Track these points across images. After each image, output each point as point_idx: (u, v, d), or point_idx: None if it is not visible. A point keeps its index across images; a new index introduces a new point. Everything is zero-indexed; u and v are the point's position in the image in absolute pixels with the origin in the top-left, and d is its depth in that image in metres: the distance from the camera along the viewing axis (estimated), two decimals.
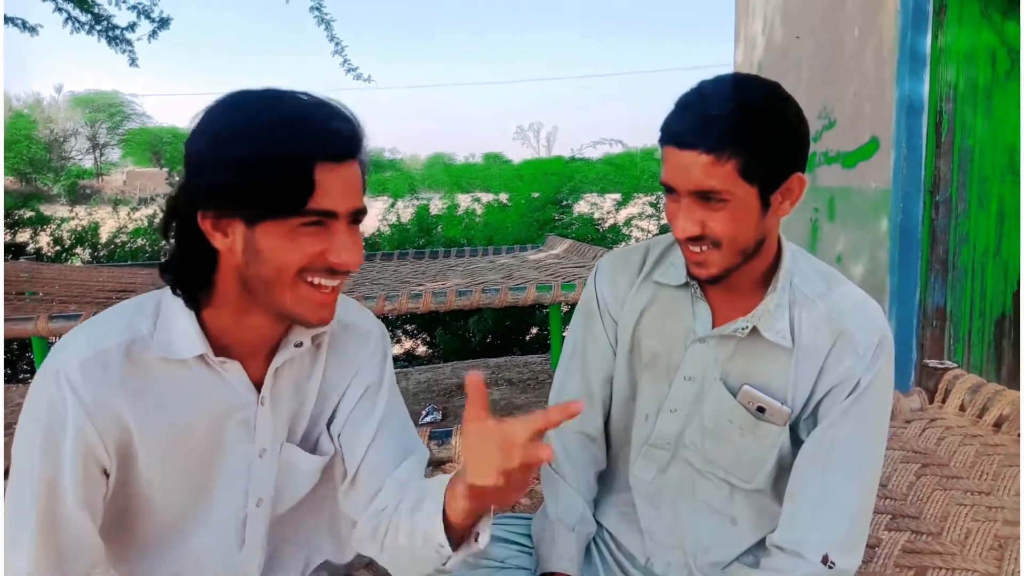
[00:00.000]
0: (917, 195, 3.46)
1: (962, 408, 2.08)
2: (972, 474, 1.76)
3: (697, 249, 1.15)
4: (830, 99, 3.98)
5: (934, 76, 3.38)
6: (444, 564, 1.00)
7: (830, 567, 1.17)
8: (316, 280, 0.98)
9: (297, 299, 0.99)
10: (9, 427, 4.17)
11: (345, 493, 1.17)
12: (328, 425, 1.18)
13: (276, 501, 1.15)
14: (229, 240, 0.97)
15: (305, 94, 0.98)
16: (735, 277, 1.19)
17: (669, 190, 1.15)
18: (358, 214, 1.00)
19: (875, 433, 1.22)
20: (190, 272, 1.01)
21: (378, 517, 1.10)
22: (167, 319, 1.03)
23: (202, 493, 1.10)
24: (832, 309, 1.21)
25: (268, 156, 0.91)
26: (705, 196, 1.10)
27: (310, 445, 1.17)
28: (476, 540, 0.98)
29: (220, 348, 1.05)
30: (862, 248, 3.77)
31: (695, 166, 1.08)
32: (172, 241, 1.01)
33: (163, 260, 1.04)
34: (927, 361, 2.20)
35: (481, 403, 0.86)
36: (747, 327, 1.21)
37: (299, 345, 1.10)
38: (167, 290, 1.04)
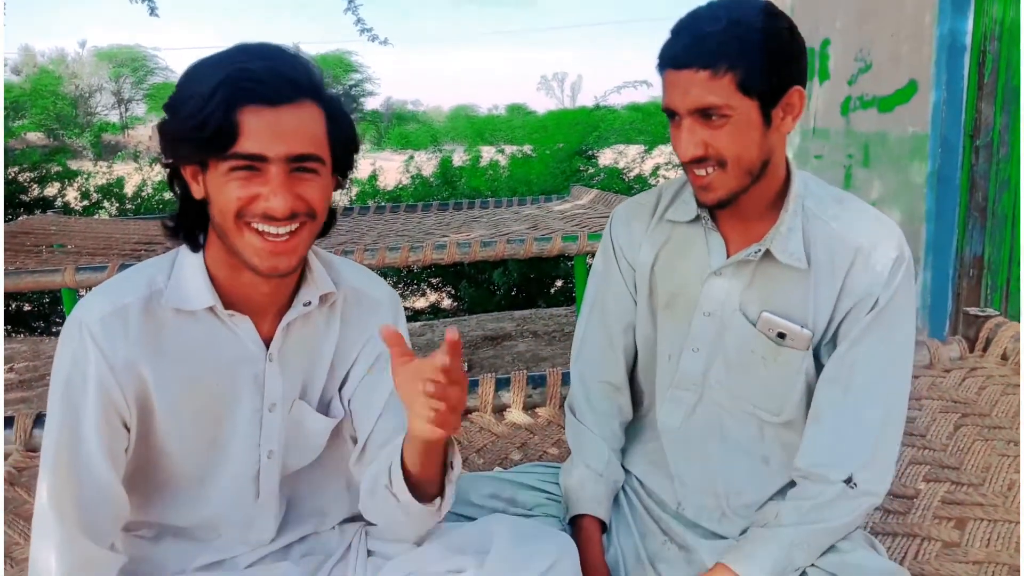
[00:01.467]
0: (956, 140, 3.35)
1: (1003, 357, 2.02)
2: (1015, 424, 1.71)
3: (702, 172, 1.14)
4: (866, 41, 3.84)
5: (978, 13, 3.24)
6: (428, 514, 1.05)
7: (852, 487, 1.17)
8: (258, 225, 0.97)
9: (245, 245, 0.99)
10: (43, 378, 4.24)
11: (356, 460, 1.18)
12: (340, 390, 1.19)
13: (287, 456, 1.17)
14: (200, 187, 1.00)
15: (269, 43, 0.99)
16: (744, 202, 1.18)
17: (670, 115, 1.15)
18: (301, 159, 0.97)
19: (897, 351, 1.21)
20: (185, 218, 1.05)
21: (371, 484, 1.11)
22: (180, 272, 1.06)
23: (216, 445, 1.12)
24: (846, 228, 1.20)
25: (195, 101, 0.93)
26: (706, 114, 1.10)
27: (323, 407, 1.18)
28: (452, 468, 1.05)
29: (230, 303, 1.07)
30: (898, 195, 3.67)
31: (693, 83, 1.09)
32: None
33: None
34: (967, 309, 2.14)
35: (401, 350, 0.91)
36: (760, 250, 1.20)
37: (307, 304, 1.11)
38: (184, 246, 1.07)
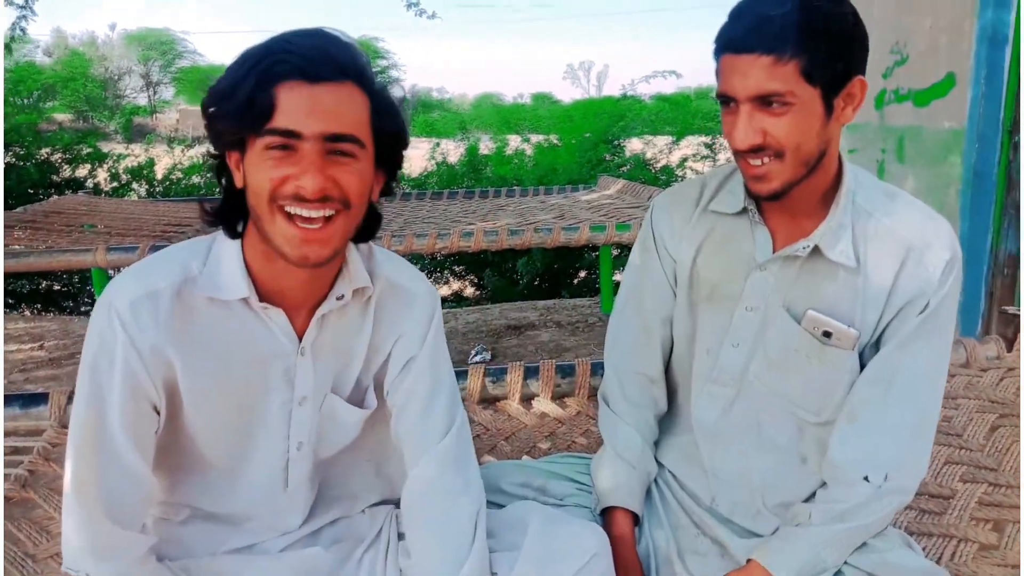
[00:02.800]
0: (994, 135, 3.28)
1: None
2: None
3: (758, 162, 1.10)
4: (903, 33, 3.77)
5: (1022, 4, 3.17)
6: None
7: (886, 481, 1.16)
8: (290, 209, 0.94)
9: (276, 232, 0.96)
10: (73, 356, 4.29)
11: (396, 448, 1.18)
12: (374, 380, 1.18)
13: (318, 446, 1.16)
14: (240, 174, 0.98)
15: (318, 28, 0.97)
16: (795, 196, 1.14)
17: (726, 101, 1.11)
18: (337, 139, 0.94)
19: (940, 354, 1.20)
20: (228, 207, 1.03)
21: (409, 496, 1.11)
22: (216, 260, 1.04)
23: (245, 435, 1.11)
24: (898, 225, 1.16)
25: (235, 76, 0.92)
26: (766, 101, 1.06)
27: (356, 398, 1.17)
28: None
29: (265, 295, 1.05)
30: (932, 191, 3.61)
31: (755, 69, 1.05)
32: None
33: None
34: (1005, 308, 2.10)
35: None
36: (808, 247, 1.17)
37: (340, 298, 1.09)
38: (221, 232, 1.05)
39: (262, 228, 0.98)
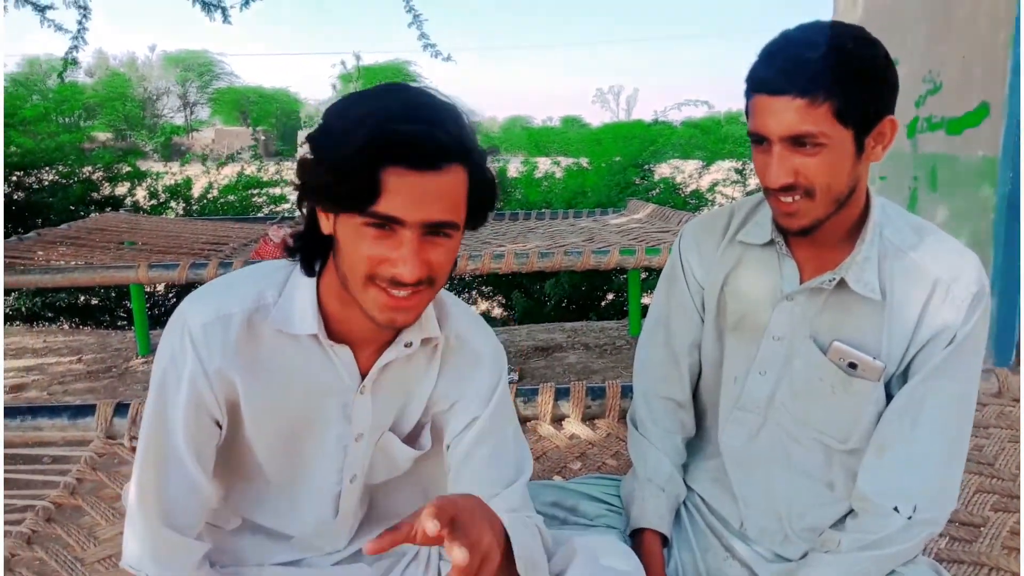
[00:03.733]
0: None
1: None
2: None
3: (788, 199, 1.12)
4: (936, 61, 3.77)
5: None
6: None
7: (916, 513, 1.16)
8: (384, 287, 0.96)
9: (367, 299, 0.97)
10: (110, 370, 4.38)
11: (444, 475, 1.18)
12: (432, 422, 1.18)
13: (369, 477, 1.18)
14: (329, 225, 0.98)
15: (423, 92, 0.95)
16: (823, 230, 1.16)
17: (757, 141, 1.13)
18: (439, 227, 0.94)
19: (968, 386, 1.20)
20: (308, 246, 1.03)
21: None
22: (291, 294, 1.05)
23: (300, 462, 1.14)
24: (925, 259, 1.18)
25: (339, 154, 0.90)
26: (799, 141, 1.08)
27: (412, 438, 1.18)
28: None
29: (334, 332, 1.06)
30: (964, 220, 3.59)
31: (789, 111, 1.06)
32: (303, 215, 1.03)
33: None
34: None
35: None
36: (835, 279, 1.19)
37: (408, 345, 1.09)
38: (298, 266, 1.06)
39: (350, 288, 0.99)
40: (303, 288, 1.05)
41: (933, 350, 1.17)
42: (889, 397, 1.22)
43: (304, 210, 1.02)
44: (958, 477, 1.22)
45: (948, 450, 1.19)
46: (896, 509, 1.17)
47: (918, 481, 1.17)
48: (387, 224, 0.92)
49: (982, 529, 1.44)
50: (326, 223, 0.99)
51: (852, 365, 1.20)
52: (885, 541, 1.17)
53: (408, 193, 0.91)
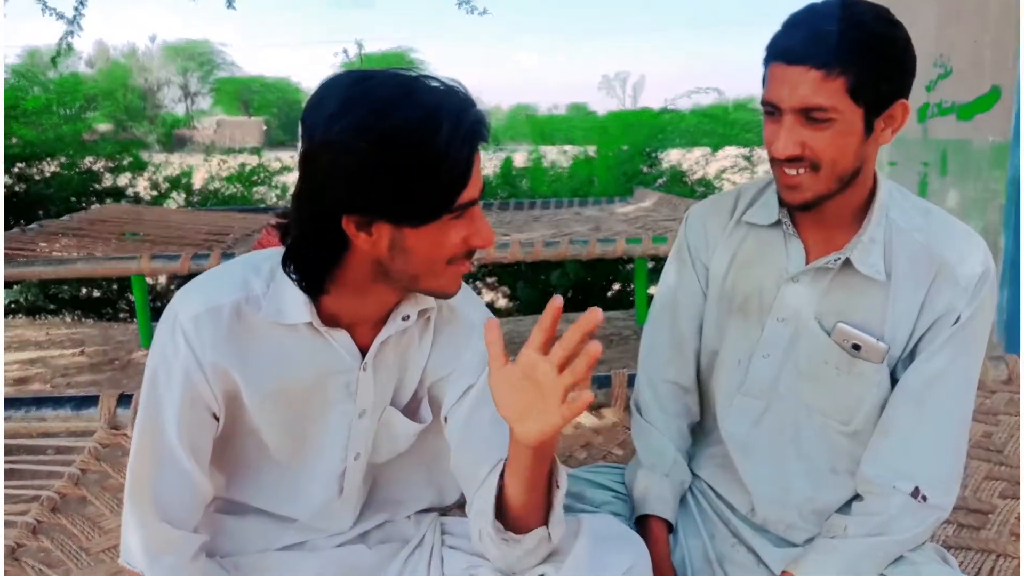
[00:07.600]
0: None
1: None
2: None
3: (793, 172, 1.12)
4: (946, 46, 3.74)
5: None
6: (537, 544, 1.01)
7: (921, 500, 1.16)
8: (462, 260, 1.01)
9: (442, 280, 1.02)
10: (112, 362, 4.39)
11: (447, 457, 1.17)
12: (428, 396, 1.19)
13: (373, 455, 1.19)
14: (374, 238, 0.96)
15: (433, 79, 0.95)
16: (828, 209, 1.16)
17: (769, 110, 1.13)
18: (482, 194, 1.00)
19: (971, 368, 1.20)
20: (317, 265, 1.00)
21: (476, 523, 1.08)
22: (280, 285, 1.04)
23: (305, 444, 1.14)
24: (931, 242, 1.18)
25: (434, 153, 0.90)
26: (809, 114, 1.08)
27: (411, 411, 1.19)
28: (558, 487, 1.01)
29: (328, 317, 1.06)
30: (975, 205, 3.56)
31: (803, 82, 1.06)
32: (298, 227, 0.99)
33: (287, 246, 1.02)
34: None
35: (500, 348, 0.90)
36: (839, 259, 1.18)
37: (406, 319, 1.10)
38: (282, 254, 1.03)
39: (415, 283, 1.02)
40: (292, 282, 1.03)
41: (939, 331, 1.17)
42: (894, 381, 1.21)
43: (310, 227, 0.97)
44: (962, 459, 1.21)
45: (952, 432, 1.19)
46: (896, 488, 1.16)
47: (920, 461, 1.17)
48: (467, 208, 0.96)
49: (990, 516, 1.43)
50: (365, 239, 0.95)
51: (856, 347, 1.20)
52: (891, 523, 1.16)
53: (475, 174, 0.95)
